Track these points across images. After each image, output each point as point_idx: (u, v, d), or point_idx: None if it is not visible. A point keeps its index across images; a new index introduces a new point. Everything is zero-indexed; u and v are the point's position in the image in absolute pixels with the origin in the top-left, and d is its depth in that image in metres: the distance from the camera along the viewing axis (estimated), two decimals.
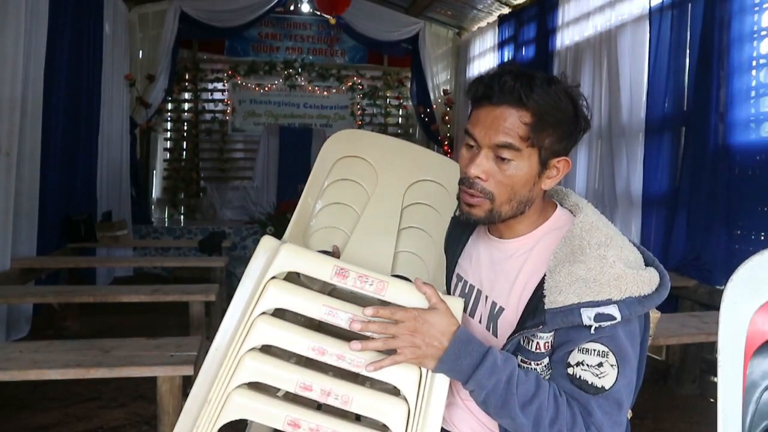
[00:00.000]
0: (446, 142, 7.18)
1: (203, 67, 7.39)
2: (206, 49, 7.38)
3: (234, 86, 7.48)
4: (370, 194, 1.43)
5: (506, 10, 5.83)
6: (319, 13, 7.04)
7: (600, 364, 0.91)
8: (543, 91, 0.94)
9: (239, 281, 1.02)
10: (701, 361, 3.01)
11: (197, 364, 1.77)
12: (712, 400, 2.84)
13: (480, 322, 1.08)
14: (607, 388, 0.91)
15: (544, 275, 0.96)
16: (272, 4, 6.57)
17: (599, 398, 0.91)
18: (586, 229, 0.96)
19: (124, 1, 5.76)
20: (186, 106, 7.43)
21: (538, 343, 0.96)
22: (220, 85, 7.45)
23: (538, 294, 0.96)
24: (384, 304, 0.96)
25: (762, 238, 2.84)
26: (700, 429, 2.60)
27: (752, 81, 2.89)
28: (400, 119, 8.11)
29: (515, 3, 5.61)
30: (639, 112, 3.64)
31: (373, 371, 0.92)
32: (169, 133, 7.45)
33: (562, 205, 1.08)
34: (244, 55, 7.48)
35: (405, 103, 7.96)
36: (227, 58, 7.47)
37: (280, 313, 1.01)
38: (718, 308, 0.72)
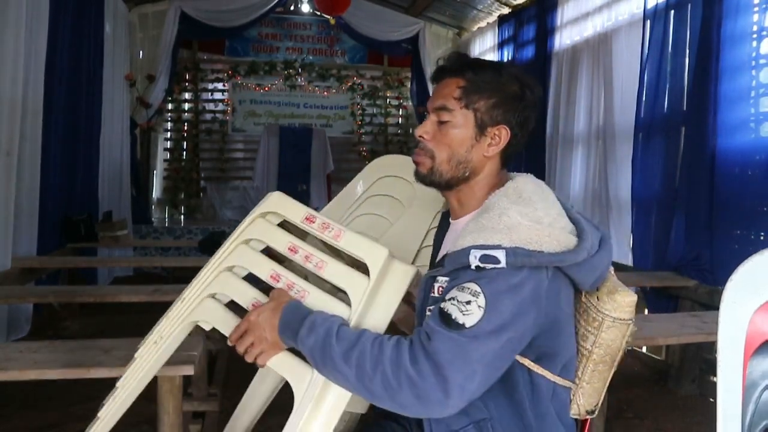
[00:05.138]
0: None
1: (203, 67, 7.39)
2: (206, 49, 7.38)
3: (234, 86, 7.48)
4: (406, 211, 1.51)
5: (506, 11, 5.83)
6: (319, 13, 7.05)
7: (468, 302, 0.93)
8: (480, 64, 1.09)
9: None
10: (701, 360, 3.01)
11: (197, 364, 1.77)
12: (711, 399, 2.85)
13: None
14: (467, 326, 0.91)
15: None
16: (272, 4, 6.57)
17: (453, 332, 0.91)
18: (505, 192, 1.04)
19: (124, 2, 5.76)
20: (186, 106, 7.43)
21: (437, 287, 1.03)
22: (220, 85, 7.46)
23: None
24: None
25: (762, 238, 2.84)
26: (700, 429, 2.61)
27: (752, 81, 2.89)
28: (400, 119, 8.10)
29: (515, 3, 5.61)
30: (637, 113, 3.64)
31: (253, 362, 1.04)
32: (169, 133, 7.45)
33: None
34: (244, 55, 7.48)
35: (405, 103, 7.96)
36: (227, 58, 7.47)
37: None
38: (717, 308, 0.72)
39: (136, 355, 1.22)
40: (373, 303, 1.03)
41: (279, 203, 1.17)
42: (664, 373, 3.22)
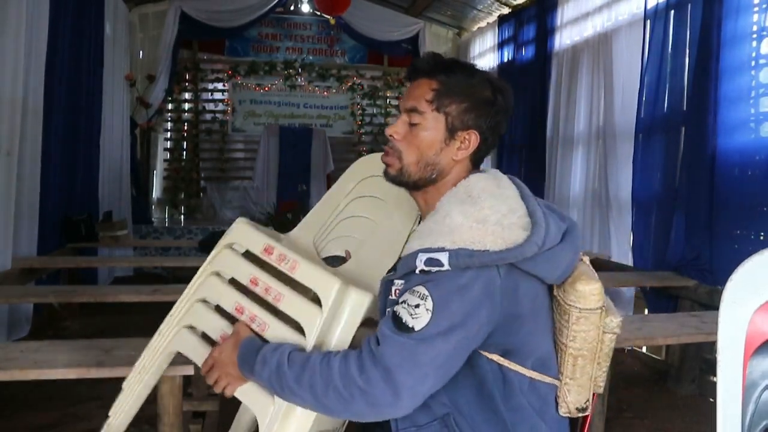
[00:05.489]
0: None
1: (203, 68, 7.39)
2: (206, 49, 7.38)
3: (234, 86, 7.48)
4: (391, 212, 1.51)
5: (506, 11, 5.83)
6: (319, 13, 7.04)
7: (417, 306, 0.95)
8: (453, 67, 1.09)
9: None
10: (701, 360, 3.01)
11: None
12: (711, 399, 2.85)
13: None
14: (416, 329, 0.93)
15: None
16: (272, 4, 6.58)
17: (403, 336, 0.94)
18: (455, 192, 1.06)
19: (124, 2, 5.76)
20: (186, 106, 7.42)
21: (394, 289, 1.05)
22: (220, 85, 7.45)
23: None
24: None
25: (762, 238, 2.84)
26: (700, 429, 2.61)
27: (751, 81, 2.89)
28: None
29: (515, 3, 5.61)
30: (637, 113, 3.64)
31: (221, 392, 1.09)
32: (169, 133, 7.45)
33: None
34: (244, 55, 7.48)
35: None
36: (227, 58, 7.47)
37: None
38: (717, 308, 0.72)
39: (123, 385, 1.28)
40: (329, 333, 1.06)
41: (241, 233, 1.22)
42: (663, 373, 3.22)
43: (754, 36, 2.88)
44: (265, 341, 1.08)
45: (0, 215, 3.27)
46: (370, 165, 1.55)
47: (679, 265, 3.25)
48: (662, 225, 3.45)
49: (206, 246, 4.97)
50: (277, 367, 0.99)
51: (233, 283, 1.20)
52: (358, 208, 1.55)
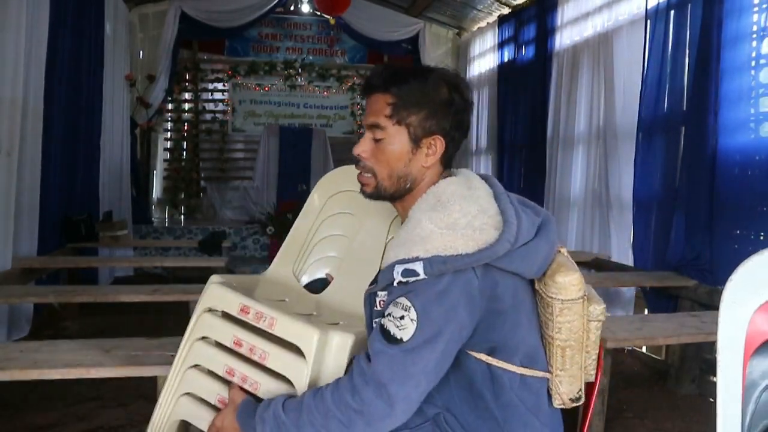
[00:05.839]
0: None
1: (203, 68, 7.39)
2: (206, 49, 7.38)
3: (234, 86, 7.48)
4: (362, 223, 1.53)
5: (506, 11, 5.83)
6: (319, 13, 7.05)
7: (402, 317, 0.98)
8: (405, 77, 1.09)
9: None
10: (701, 360, 3.01)
11: None
12: (711, 399, 2.85)
13: None
14: (404, 340, 0.96)
15: None
16: (272, 4, 6.57)
17: (393, 348, 0.96)
18: (428, 198, 1.07)
19: (124, 2, 5.76)
20: (186, 106, 7.42)
21: (378, 301, 1.07)
22: (220, 85, 7.45)
23: None
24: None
25: (762, 238, 2.84)
26: (700, 429, 2.61)
27: (751, 81, 2.89)
28: None
29: (515, 3, 5.61)
30: (637, 113, 3.64)
31: None
32: (169, 133, 7.45)
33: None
34: (244, 55, 7.48)
35: None
36: (227, 58, 7.47)
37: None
38: (717, 308, 0.72)
39: None
40: (318, 381, 1.08)
41: (215, 296, 1.22)
42: (663, 373, 3.22)
43: (754, 36, 2.88)
44: (260, 400, 1.09)
45: (0, 215, 3.27)
46: (334, 181, 1.57)
47: (679, 265, 3.25)
48: (662, 225, 3.45)
49: (206, 246, 4.98)
50: (274, 419, 1.01)
51: (221, 344, 1.21)
52: (330, 227, 1.57)
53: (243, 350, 1.15)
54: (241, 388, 1.13)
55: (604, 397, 2.29)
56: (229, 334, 1.18)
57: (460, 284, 0.98)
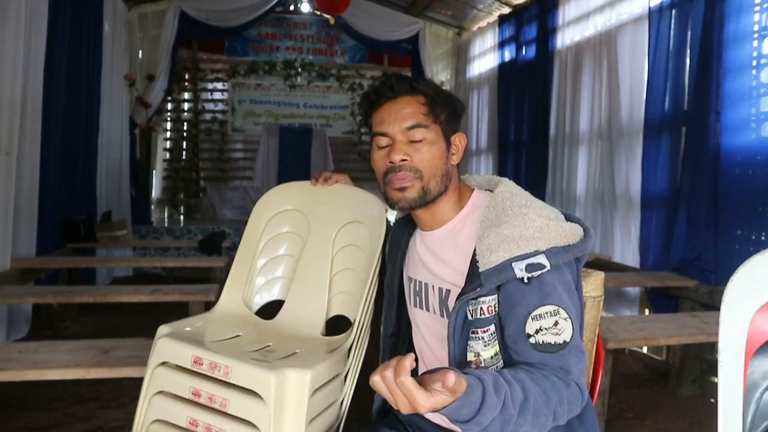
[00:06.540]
0: None
1: (203, 67, 7.38)
2: (206, 49, 7.37)
3: (234, 86, 7.48)
4: (305, 242, 1.53)
5: (506, 10, 5.82)
6: (319, 13, 7.04)
7: (556, 323, 0.97)
8: (421, 82, 1.12)
9: None
10: (702, 361, 3.00)
11: None
12: (712, 400, 2.84)
13: (434, 312, 1.16)
14: (568, 340, 0.97)
15: (476, 245, 1.05)
16: (272, 4, 6.57)
17: (565, 352, 0.97)
18: (507, 196, 1.07)
19: (123, 1, 5.76)
20: (186, 106, 7.42)
21: (482, 308, 1.01)
22: (219, 85, 7.45)
23: (473, 262, 1.04)
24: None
25: (762, 238, 2.84)
26: (701, 429, 2.60)
27: (753, 81, 2.89)
28: None
29: (515, 3, 5.60)
30: (639, 112, 3.63)
31: None
32: (168, 133, 7.45)
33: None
34: (244, 55, 7.47)
35: None
36: (227, 58, 7.46)
37: None
38: (718, 308, 0.71)
39: None
40: (284, 421, 1.08)
41: (166, 350, 1.20)
42: (664, 373, 3.21)
43: (756, 36, 2.88)
44: None
45: None
46: (274, 200, 1.57)
47: (680, 266, 3.25)
48: (664, 225, 3.44)
49: (206, 246, 4.97)
50: (503, 406, 0.93)
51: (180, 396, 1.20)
52: (274, 247, 1.56)
53: (203, 400, 1.14)
54: None
55: (604, 397, 2.29)
56: (186, 386, 1.17)
57: (572, 273, 1.03)
